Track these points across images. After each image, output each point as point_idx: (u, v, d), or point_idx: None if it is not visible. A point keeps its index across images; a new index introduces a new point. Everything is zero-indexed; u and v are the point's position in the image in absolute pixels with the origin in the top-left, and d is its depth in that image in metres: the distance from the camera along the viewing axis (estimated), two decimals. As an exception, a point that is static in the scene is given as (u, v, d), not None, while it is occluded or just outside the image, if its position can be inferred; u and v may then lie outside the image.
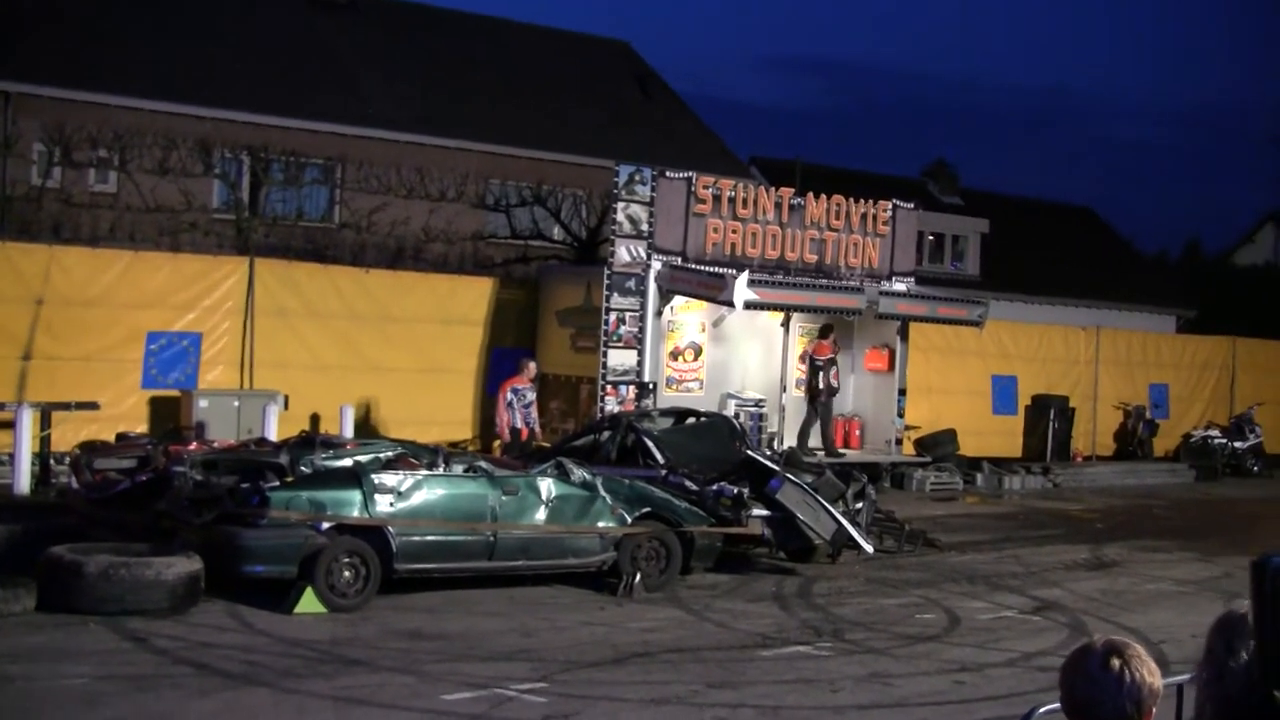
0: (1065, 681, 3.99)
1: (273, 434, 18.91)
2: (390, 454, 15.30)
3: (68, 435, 19.65)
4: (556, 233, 30.98)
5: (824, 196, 24.62)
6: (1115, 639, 3.96)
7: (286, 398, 20.81)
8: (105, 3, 33.47)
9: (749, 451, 18.41)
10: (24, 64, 30.07)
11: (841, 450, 25.38)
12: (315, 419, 21.44)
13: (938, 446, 27.74)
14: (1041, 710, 6.43)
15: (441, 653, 12.58)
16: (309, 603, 13.70)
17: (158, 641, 12.39)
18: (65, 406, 19.90)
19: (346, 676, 11.67)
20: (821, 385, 24.90)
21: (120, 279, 21.23)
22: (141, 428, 20.28)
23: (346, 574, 14.09)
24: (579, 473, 15.97)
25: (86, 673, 11.45)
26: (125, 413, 20.68)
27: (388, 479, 14.65)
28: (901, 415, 26.28)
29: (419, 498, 14.72)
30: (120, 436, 18.77)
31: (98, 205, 26.54)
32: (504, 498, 15.23)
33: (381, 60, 36.60)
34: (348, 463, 14.90)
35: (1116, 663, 3.86)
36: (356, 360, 22.51)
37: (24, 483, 18.66)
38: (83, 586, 13.16)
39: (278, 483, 14.27)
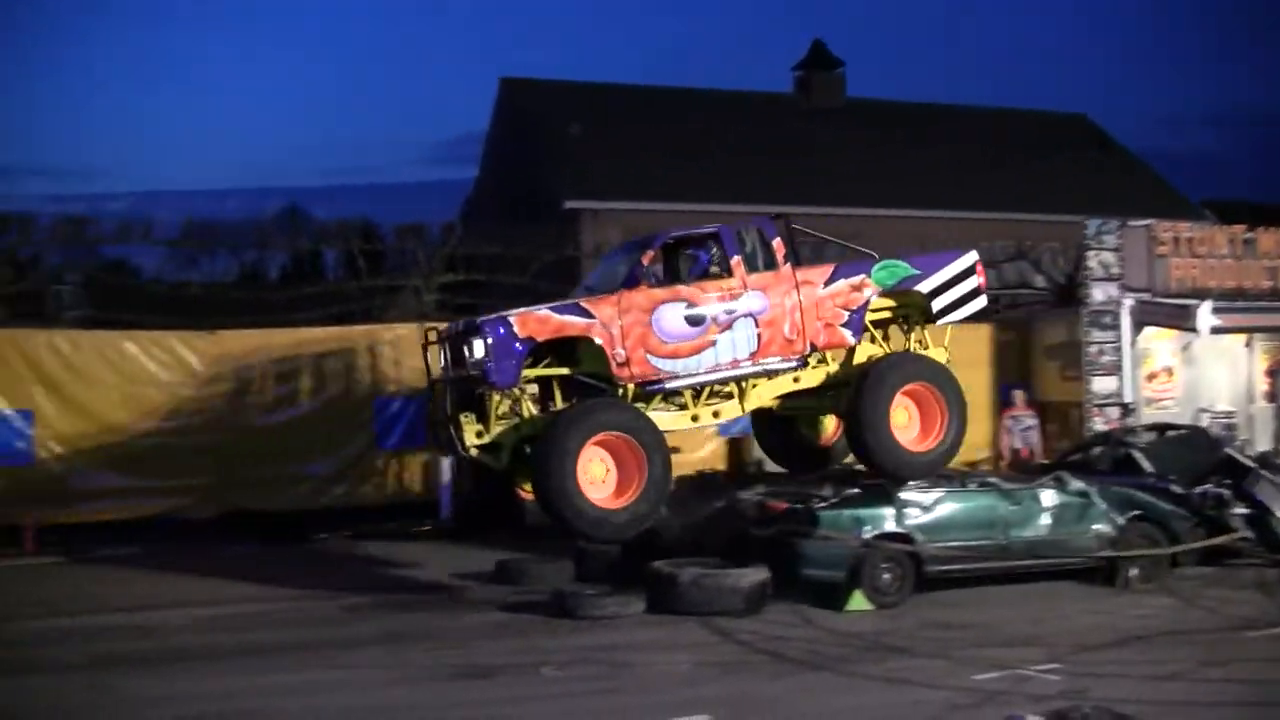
0: None
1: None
2: None
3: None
4: (1039, 281, 30.27)
5: (1274, 229, 23.23)
6: None
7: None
8: (661, 130, 34.90)
9: (1228, 450, 17.49)
10: (605, 187, 31.71)
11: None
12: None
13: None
14: None
15: (968, 640, 12.46)
16: (857, 601, 13.85)
17: (739, 636, 12.73)
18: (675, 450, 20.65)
19: (891, 661, 11.71)
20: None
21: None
22: (721, 466, 20.83)
23: (886, 576, 14.15)
24: (1075, 483, 15.51)
25: (686, 660, 11.91)
26: (707, 456, 21.19)
27: (915, 496, 14.63)
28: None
29: (942, 511, 14.64)
30: (700, 474, 19.33)
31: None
32: (1012, 507, 14.97)
33: (878, 151, 36.73)
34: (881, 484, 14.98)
35: None
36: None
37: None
38: (678, 593, 13.71)
39: (826, 504, 14.49)
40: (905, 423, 15.21)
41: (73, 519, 18.80)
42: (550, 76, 40.14)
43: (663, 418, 14.75)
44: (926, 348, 15.96)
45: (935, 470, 15.17)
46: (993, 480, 15.55)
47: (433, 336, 15.07)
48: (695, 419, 15.06)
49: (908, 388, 15.14)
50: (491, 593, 15.13)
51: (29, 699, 10.79)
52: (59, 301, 23.27)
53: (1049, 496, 15.23)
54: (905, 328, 16.12)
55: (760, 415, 16.49)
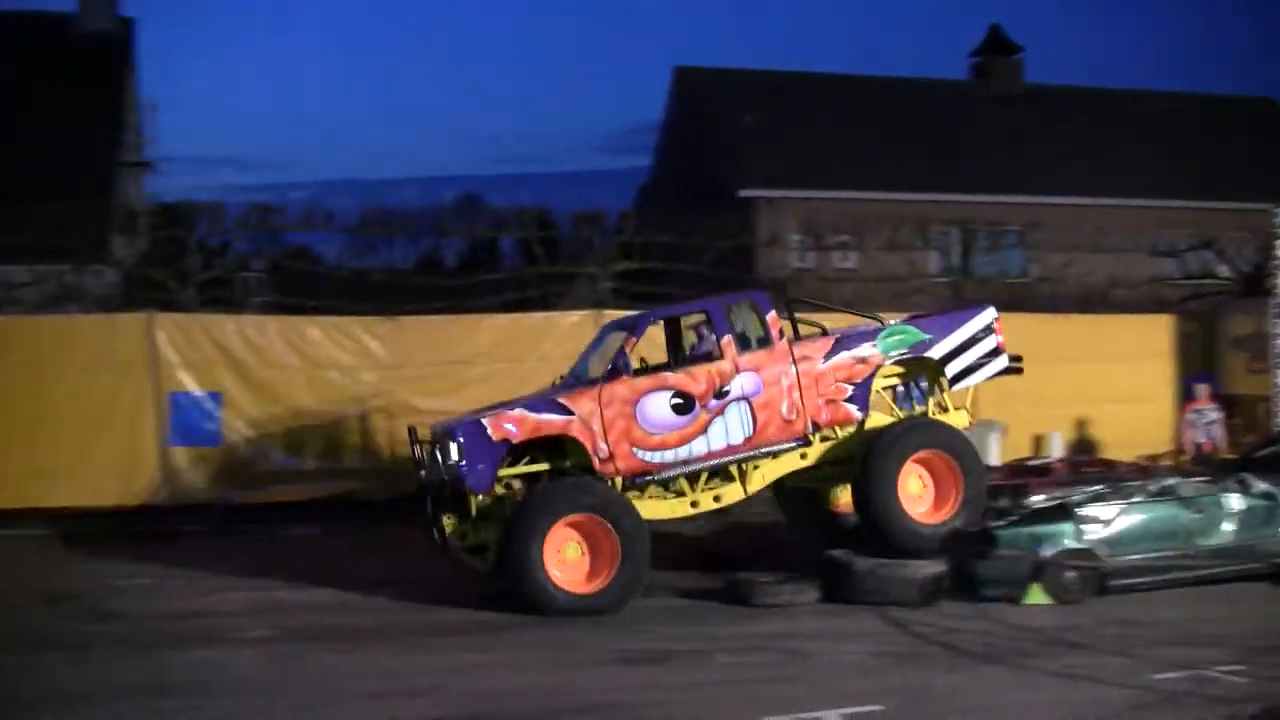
0: None
1: (995, 459, 18.84)
2: (1095, 489, 14.80)
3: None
4: (1224, 271, 29.45)
5: None
6: None
7: (1005, 427, 20.68)
8: (838, 116, 34.74)
9: None
10: (779, 175, 31.65)
11: None
12: (1037, 441, 21.15)
13: None
14: None
15: (1150, 638, 12.18)
16: (1035, 596, 13.66)
17: (914, 627, 12.67)
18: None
19: (1068, 657, 11.53)
20: None
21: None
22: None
23: (1070, 574, 13.92)
24: (1260, 485, 14.98)
25: (861, 650, 11.90)
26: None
27: (1093, 512, 14.29)
28: None
29: (1122, 524, 14.28)
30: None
31: (843, 279, 27.46)
32: (1194, 515, 14.55)
33: (1056, 137, 36.12)
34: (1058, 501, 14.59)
35: None
36: (1064, 393, 21.99)
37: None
38: (853, 582, 13.69)
39: (1004, 522, 14.28)
40: (919, 492, 14.38)
41: (256, 499, 19.34)
42: (724, 65, 40.13)
43: (659, 506, 14.32)
44: (947, 411, 15.21)
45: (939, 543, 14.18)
46: (1172, 485, 15.06)
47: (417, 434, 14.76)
48: (695, 505, 14.47)
49: (919, 455, 14.28)
50: (667, 578, 15.21)
51: (221, 670, 11.18)
52: (246, 287, 23.99)
53: (1233, 501, 14.78)
54: (923, 391, 15.42)
55: (777, 482, 15.62)
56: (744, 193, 31.57)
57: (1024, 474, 15.86)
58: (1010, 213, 32.32)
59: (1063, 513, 14.32)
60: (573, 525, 13.41)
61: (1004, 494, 14.83)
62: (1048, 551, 13.91)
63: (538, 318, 21.01)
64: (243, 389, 19.58)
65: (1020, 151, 35.31)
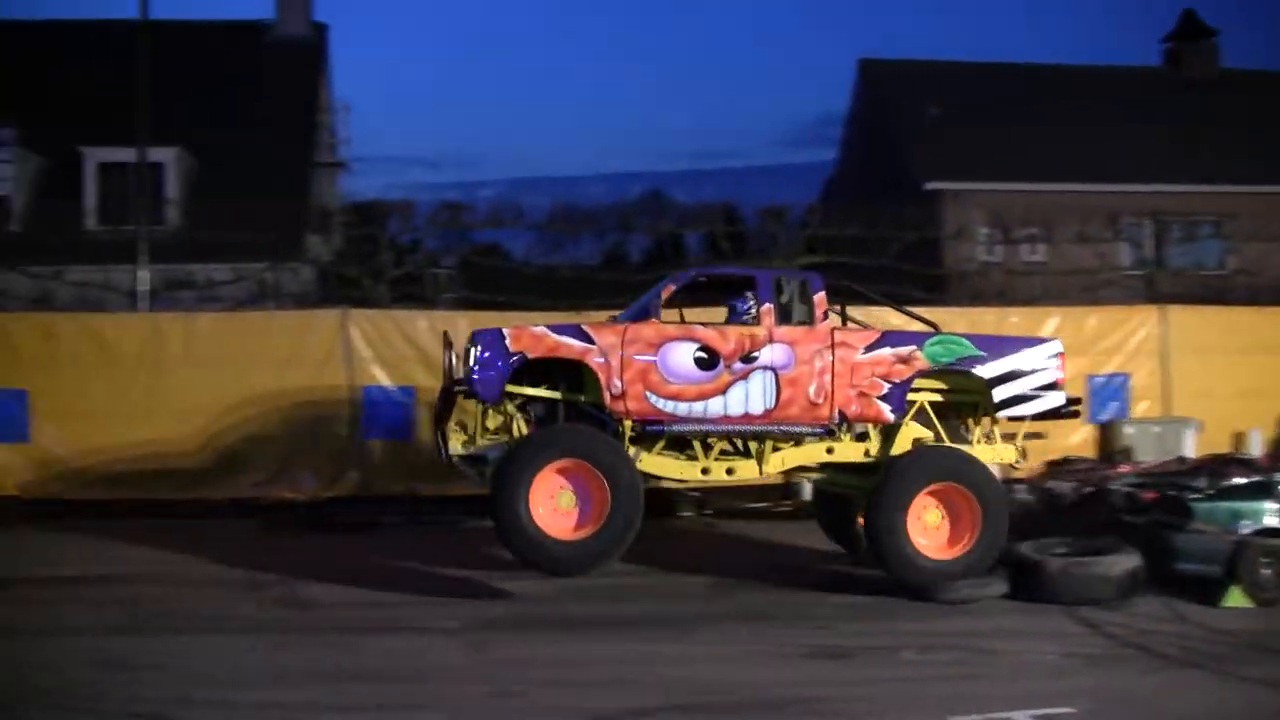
0: None
1: (1191, 455, 18.37)
2: None
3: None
4: None
5: None
6: None
7: (1201, 423, 20.13)
8: (1025, 107, 34.15)
9: None
10: (965, 167, 31.22)
11: None
12: (1236, 438, 20.56)
13: None
14: None
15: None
16: (1235, 598, 13.21)
17: (1106, 628, 12.34)
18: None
19: (1270, 663, 11.13)
20: None
21: (1059, 331, 21.24)
22: (1090, 453, 20.18)
23: (1266, 572, 13.43)
24: None
25: (1051, 649, 11.64)
26: (1075, 443, 20.55)
27: None
28: None
29: (1331, 508, 13.77)
30: (1065, 460, 18.80)
31: (1031, 272, 27.05)
32: (1389, 506, 13.98)
33: (1253, 124, 34.97)
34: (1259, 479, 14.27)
35: None
36: (1265, 387, 21.31)
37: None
38: (1043, 580, 13.38)
39: (1201, 495, 13.88)
40: (935, 524, 13.64)
41: (443, 491, 19.66)
42: (909, 57, 39.78)
43: (666, 463, 14.00)
44: (994, 443, 14.42)
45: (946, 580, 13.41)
46: None
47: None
48: (705, 471, 13.97)
49: (935, 488, 13.50)
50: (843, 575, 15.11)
51: (414, 657, 11.41)
52: (436, 284, 24.51)
53: None
54: (974, 418, 14.54)
55: (816, 490, 15.28)
56: (930, 185, 31.26)
57: (1225, 462, 15.46)
58: (1205, 203, 31.44)
59: (1264, 490, 13.92)
60: (562, 471, 13.14)
61: (1202, 472, 14.47)
62: (1246, 529, 13.49)
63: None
64: (434, 383, 19.91)
65: (1215, 139, 34.27)
